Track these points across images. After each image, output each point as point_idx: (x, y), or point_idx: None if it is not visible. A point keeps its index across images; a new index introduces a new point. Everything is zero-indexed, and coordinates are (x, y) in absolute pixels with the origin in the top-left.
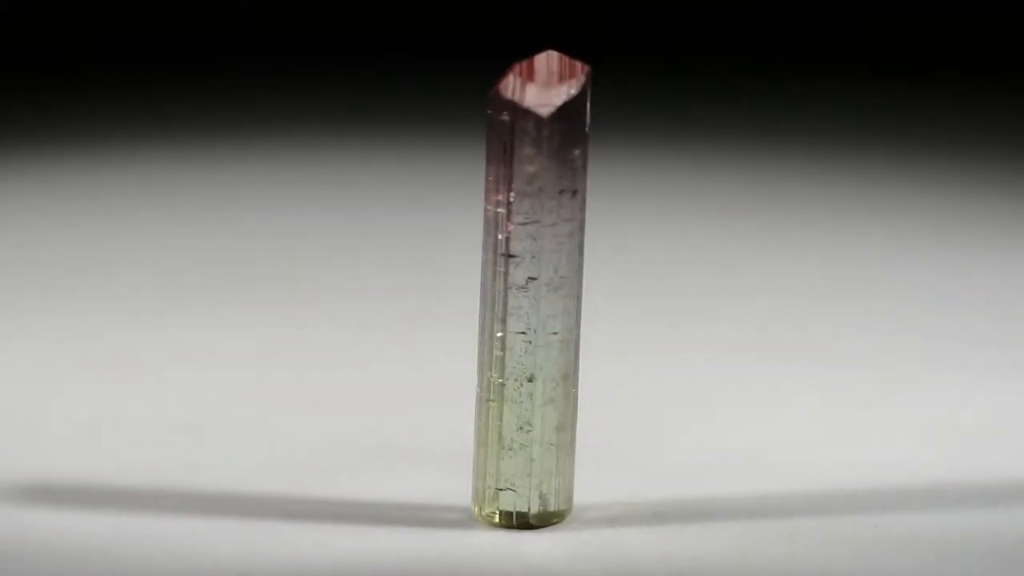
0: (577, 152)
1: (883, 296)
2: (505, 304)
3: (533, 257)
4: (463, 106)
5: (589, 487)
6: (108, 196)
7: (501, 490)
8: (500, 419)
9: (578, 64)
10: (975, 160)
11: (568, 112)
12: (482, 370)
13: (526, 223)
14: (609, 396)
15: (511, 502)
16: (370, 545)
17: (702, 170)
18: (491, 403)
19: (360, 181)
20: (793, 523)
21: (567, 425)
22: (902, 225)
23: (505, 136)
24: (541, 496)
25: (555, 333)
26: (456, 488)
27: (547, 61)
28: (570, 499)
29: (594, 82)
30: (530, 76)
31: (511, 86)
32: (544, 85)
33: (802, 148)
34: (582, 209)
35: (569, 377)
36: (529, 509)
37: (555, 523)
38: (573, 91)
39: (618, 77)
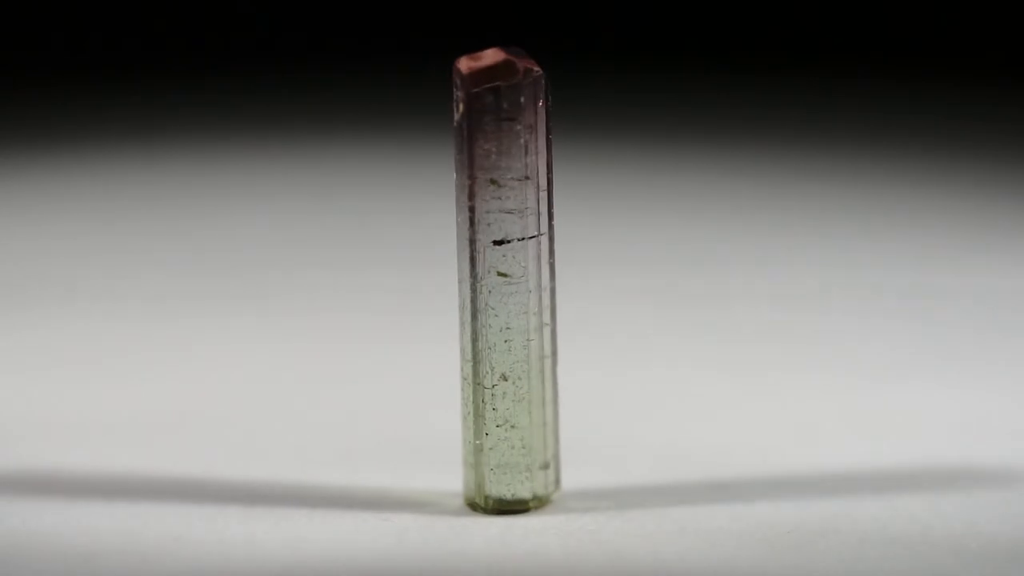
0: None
1: (860, 290)
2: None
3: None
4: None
5: (576, 476)
6: (94, 198)
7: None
8: (466, 404)
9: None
10: (943, 156)
11: (475, 103)
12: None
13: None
14: (595, 392)
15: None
16: (370, 536)
17: (678, 166)
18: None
19: (358, 181)
20: (770, 518)
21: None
22: (877, 219)
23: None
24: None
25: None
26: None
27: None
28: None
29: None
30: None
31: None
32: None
33: (778, 143)
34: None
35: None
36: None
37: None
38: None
39: (607, 71)
